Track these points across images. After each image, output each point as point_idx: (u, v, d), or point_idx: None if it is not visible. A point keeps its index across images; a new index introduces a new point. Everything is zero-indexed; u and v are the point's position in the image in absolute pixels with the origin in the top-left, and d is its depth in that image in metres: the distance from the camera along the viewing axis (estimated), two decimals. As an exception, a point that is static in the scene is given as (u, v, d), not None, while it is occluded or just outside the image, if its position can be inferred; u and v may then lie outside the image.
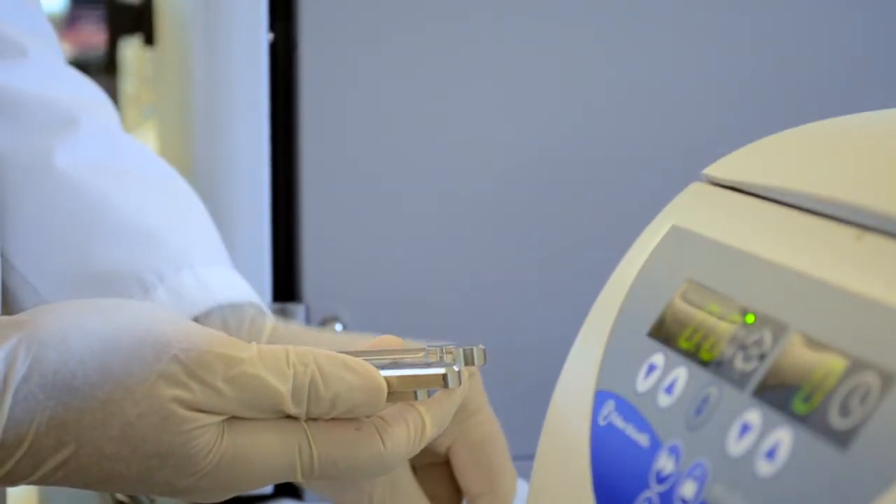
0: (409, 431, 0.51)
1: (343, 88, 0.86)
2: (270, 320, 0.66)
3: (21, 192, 0.69)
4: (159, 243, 0.68)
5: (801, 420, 0.36)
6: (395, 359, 0.52)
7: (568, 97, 0.90)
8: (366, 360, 0.50)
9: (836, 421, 0.35)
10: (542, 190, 0.90)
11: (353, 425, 0.50)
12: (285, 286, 0.89)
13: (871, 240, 0.39)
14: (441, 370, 0.50)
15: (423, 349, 0.53)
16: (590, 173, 0.91)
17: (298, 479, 0.50)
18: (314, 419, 0.49)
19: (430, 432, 0.51)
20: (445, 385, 0.50)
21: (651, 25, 0.90)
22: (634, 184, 0.90)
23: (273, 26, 0.87)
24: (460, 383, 0.51)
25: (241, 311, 0.66)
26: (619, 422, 0.45)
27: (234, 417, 0.48)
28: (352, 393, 0.49)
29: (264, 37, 0.85)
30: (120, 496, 0.97)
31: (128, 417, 0.47)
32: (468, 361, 0.53)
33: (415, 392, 0.50)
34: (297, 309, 0.87)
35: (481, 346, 0.53)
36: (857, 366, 0.36)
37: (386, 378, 0.50)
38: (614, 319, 0.49)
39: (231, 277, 0.69)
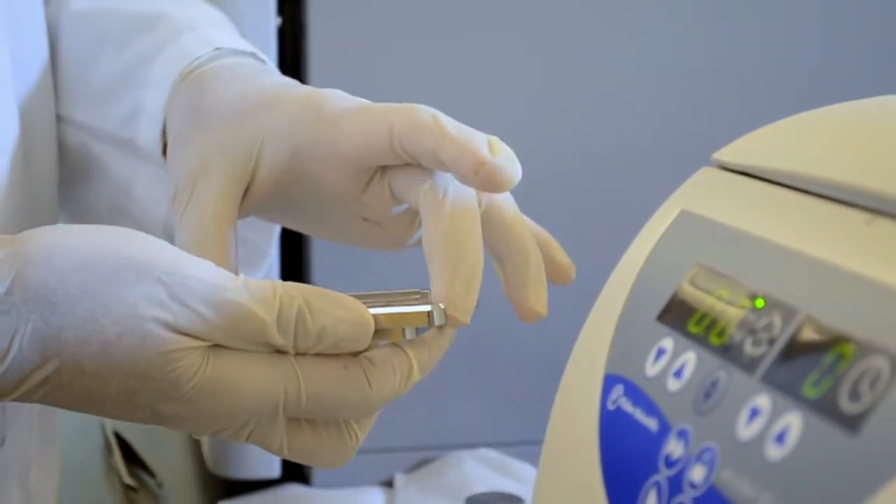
0: (395, 374, 0.51)
1: (351, 72, 0.86)
2: (276, 73, 0.64)
3: (53, 49, 0.70)
4: (166, 18, 0.67)
5: (810, 404, 0.36)
6: (388, 300, 0.52)
7: (577, 83, 0.90)
8: (357, 299, 0.51)
9: (845, 405, 0.35)
10: (551, 174, 0.90)
11: (341, 363, 0.50)
12: (293, 270, 0.90)
13: (882, 224, 0.39)
14: (427, 308, 0.51)
15: (417, 292, 0.53)
16: (600, 158, 0.91)
17: (280, 416, 0.50)
18: (301, 354, 0.50)
19: (417, 376, 0.52)
20: (431, 322, 0.51)
21: (660, 10, 0.90)
22: (644, 168, 0.90)
23: (281, 10, 0.87)
24: (446, 320, 0.51)
25: (244, 59, 0.64)
26: (627, 406, 0.45)
27: (221, 346, 0.49)
28: (338, 326, 0.49)
29: (272, 21, 0.85)
30: (128, 481, 0.97)
31: (107, 336, 0.47)
32: None
33: (403, 330, 0.51)
34: (305, 294, 0.87)
35: None
36: (866, 350, 0.36)
37: (373, 316, 0.50)
38: (623, 304, 0.49)
39: (237, 39, 0.66)
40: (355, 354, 0.51)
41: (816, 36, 0.92)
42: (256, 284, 0.49)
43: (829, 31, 0.92)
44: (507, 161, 0.53)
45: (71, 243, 0.48)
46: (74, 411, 0.50)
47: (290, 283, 0.50)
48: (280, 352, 0.50)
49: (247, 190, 0.57)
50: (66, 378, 0.47)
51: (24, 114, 0.64)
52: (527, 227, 0.57)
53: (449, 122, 0.54)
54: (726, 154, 0.50)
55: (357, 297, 0.51)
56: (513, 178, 0.53)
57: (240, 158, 0.57)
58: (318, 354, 0.50)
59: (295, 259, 0.90)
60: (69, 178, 0.72)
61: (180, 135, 0.59)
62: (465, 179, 0.53)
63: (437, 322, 0.51)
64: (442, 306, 0.51)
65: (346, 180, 0.57)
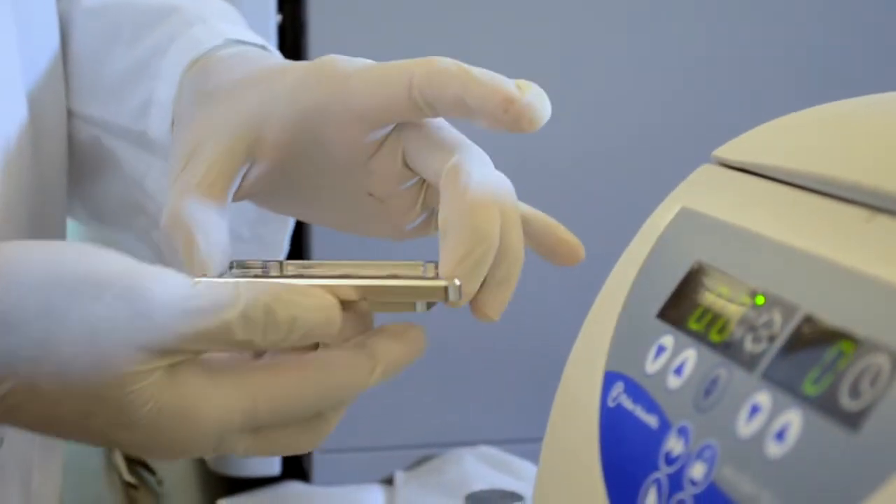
0: (356, 372, 0.50)
1: (351, 70, 0.86)
2: (279, 57, 0.62)
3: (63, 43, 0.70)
4: (178, 11, 0.66)
5: (811, 402, 0.36)
6: (392, 273, 0.51)
7: (577, 80, 0.90)
8: (364, 275, 0.50)
9: (846, 402, 0.35)
10: (552, 171, 0.90)
11: (296, 369, 0.49)
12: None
13: (882, 221, 0.39)
14: (443, 283, 0.49)
15: (421, 264, 0.52)
16: (600, 155, 0.91)
17: (240, 432, 0.49)
18: (261, 355, 0.49)
19: (377, 379, 0.50)
20: (447, 298, 0.49)
21: (661, 7, 0.90)
22: (644, 166, 0.90)
23: (281, 8, 0.87)
24: (461, 297, 0.50)
25: (249, 48, 0.62)
26: (628, 403, 0.45)
27: (177, 368, 0.47)
28: (308, 314, 0.48)
29: (272, 18, 0.85)
30: (128, 478, 0.97)
31: (64, 355, 0.46)
32: None
33: (414, 304, 0.50)
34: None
35: None
36: (867, 347, 0.36)
37: (389, 287, 0.49)
38: (624, 301, 0.48)
39: (246, 31, 0.65)
40: (315, 347, 0.50)
41: (817, 33, 0.92)
42: (216, 285, 0.47)
43: (829, 29, 0.92)
44: (536, 98, 0.51)
45: (27, 261, 0.47)
46: (31, 432, 0.49)
47: (253, 280, 0.49)
48: (243, 364, 0.49)
49: (249, 169, 0.56)
50: (21, 398, 0.46)
51: (33, 103, 0.64)
52: (518, 232, 0.54)
53: (472, 67, 0.52)
54: (726, 151, 0.50)
55: (361, 266, 0.51)
56: (543, 115, 0.51)
57: (241, 130, 0.55)
58: (275, 363, 0.49)
59: (296, 257, 0.90)
60: (84, 175, 0.71)
61: (184, 117, 0.58)
62: (493, 120, 0.51)
63: (451, 298, 0.49)
64: (458, 283, 0.49)
65: (356, 140, 0.55)
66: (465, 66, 0.52)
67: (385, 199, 0.57)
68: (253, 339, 0.48)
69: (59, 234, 0.70)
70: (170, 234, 0.54)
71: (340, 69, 0.55)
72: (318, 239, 0.88)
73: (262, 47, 0.63)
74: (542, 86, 0.87)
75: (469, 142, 0.55)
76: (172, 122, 0.62)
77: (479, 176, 0.52)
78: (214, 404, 0.48)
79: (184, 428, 0.48)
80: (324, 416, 0.51)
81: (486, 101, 0.51)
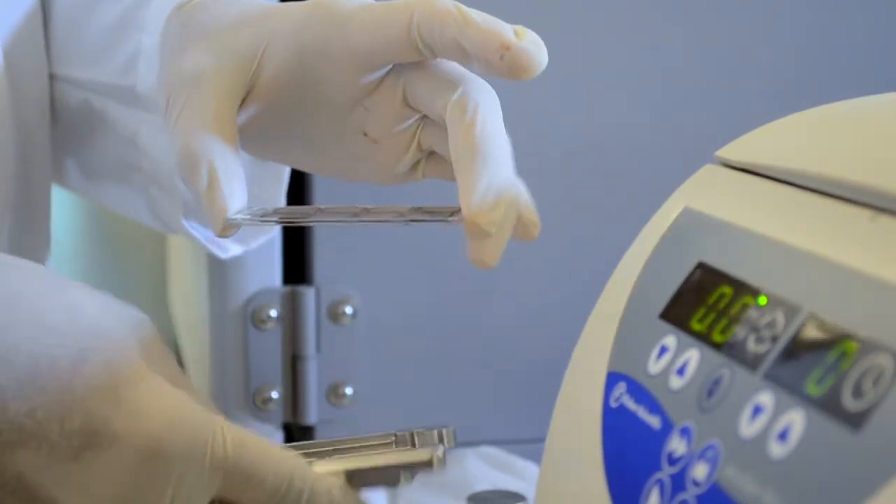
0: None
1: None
2: None
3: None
4: None
5: (813, 402, 0.36)
6: (363, 453, 0.51)
7: (579, 80, 0.90)
8: (337, 457, 0.50)
9: (849, 403, 0.35)
10: (554, 171, 0.89)
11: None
12: (296, 269, 0.90)
13: (886, 221, 0.39)
14: (426, 455, 0.50)
15: (392, 437, 0.52)
16: (603, 155, 0.90)
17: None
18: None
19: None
20: (431, 468, 0.50)
21: (663, 6, 0.90)
22: (647, 166, 0.90)
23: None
24: (444, 465, 0.50)
25: None
26: (630, 404, 0.45)
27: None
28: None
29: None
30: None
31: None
32: (440, 442, 0.53)
33: (399, 475, 0.50)
34: (308, 292, 0.87)
35: (451, 428, 0.52)
36: (870, 347, 0.36)
37: (374, 467, 0.50)
38: (626, 301, 0.48)
39: None
40: None
41: (821, 33, 0.92)
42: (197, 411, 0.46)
43: (833, 29, 0.92)
44: (533, 45, 0.51)
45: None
46: None
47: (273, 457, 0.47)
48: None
49: (245, 98, 0.55)
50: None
51: (9, 57, 0.63)
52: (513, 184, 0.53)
53: (472, 10, 0.52)
54: (729, 151, 0.50)
55: (329, 446, 0.50)
56: (539, 62, 0.51)
57: (241, 63, 0.55)
58: None
59: (297, 257, 0.90)
60: (76, 139, 0.70)
61: (173, 48, 0.57)
62: (489, 65, 0.51)
63: (435, 468, 0.50)
64: (440, 454, 0.50)
65: (354, 80, 0.54)
66: (465, 8, 0.52)
67: (379, 140, 0.57)
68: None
69: (44, 194, 0.70)
70: (186, 175, 0.53)
71: (341, 8, 0.54)
72: (319, 247, 0.88)
73: None
74: (545, 85, 0.87)
75: (473, 75, 0.54)
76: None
77: (486, 105, 0.52)
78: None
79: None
80: None
81: (482, 46, 0.51)
